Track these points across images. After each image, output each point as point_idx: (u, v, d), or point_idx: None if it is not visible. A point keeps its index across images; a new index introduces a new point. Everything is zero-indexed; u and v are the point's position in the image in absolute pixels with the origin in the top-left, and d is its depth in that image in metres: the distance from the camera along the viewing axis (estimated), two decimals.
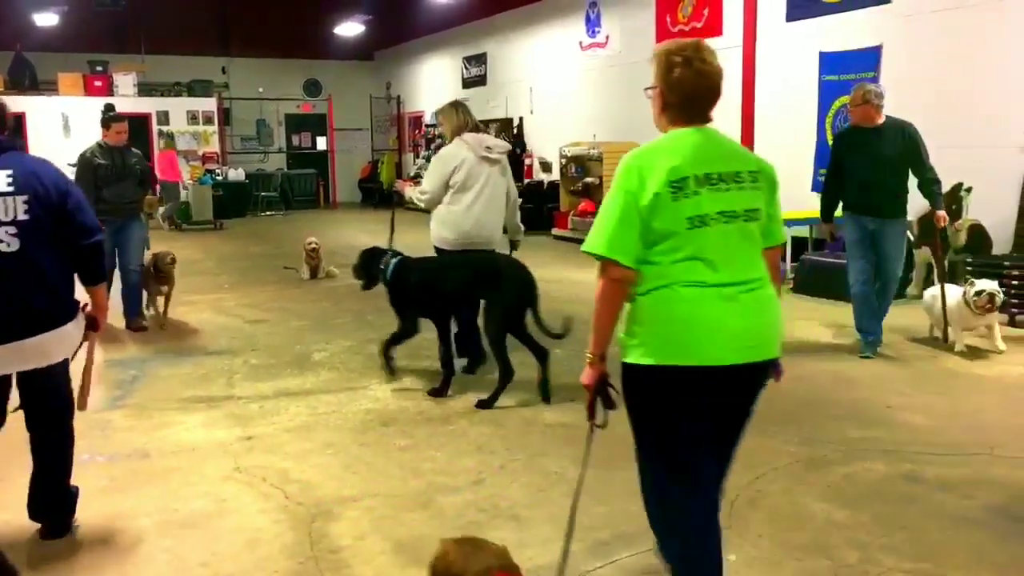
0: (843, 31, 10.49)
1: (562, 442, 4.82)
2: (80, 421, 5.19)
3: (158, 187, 15.62)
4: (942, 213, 6.55)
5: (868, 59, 10.10)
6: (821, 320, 7.85)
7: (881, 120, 6.53)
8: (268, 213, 20.39)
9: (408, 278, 5.93)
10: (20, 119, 17.18)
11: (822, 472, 4.33)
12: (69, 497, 3.82)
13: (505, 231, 6.43)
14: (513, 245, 6.63)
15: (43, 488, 3.74)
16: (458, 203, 6.02)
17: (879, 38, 9.99)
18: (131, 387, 6.19)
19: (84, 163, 7.66)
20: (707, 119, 2.86)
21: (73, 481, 3.89)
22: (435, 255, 6.17)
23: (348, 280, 10.76)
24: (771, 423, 5.05)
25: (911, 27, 9.75)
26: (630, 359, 2.78)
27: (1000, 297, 6.42)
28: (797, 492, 4.09)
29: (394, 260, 6.03)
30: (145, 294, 8.16)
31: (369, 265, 6.17)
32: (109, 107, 8.27)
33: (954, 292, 6.69)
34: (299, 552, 3.59)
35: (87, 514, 3.98)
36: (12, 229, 3.42)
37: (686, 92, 2.81)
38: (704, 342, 2.69)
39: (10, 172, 3.49)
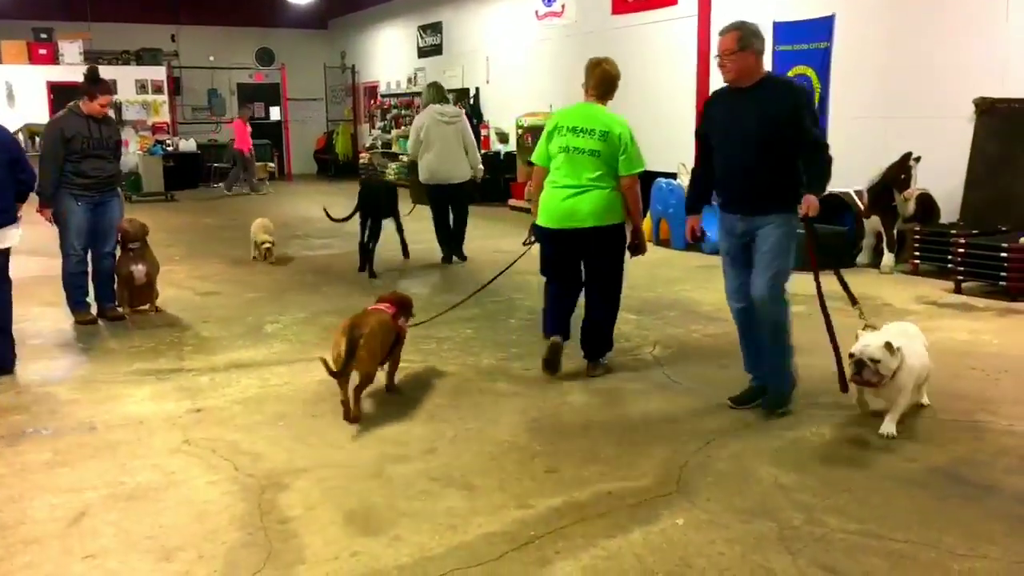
0: (796, 0, 10.53)
1: (515, 411, 4.83)
2: (25, 394, 5.17)
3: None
4: (811, 199, 4.47)
5: (821, 28, 10.17)
6: None
7: (761, 75, 4.62)
8: (220, 185, 20.06)
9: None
10: None
11: (770, 437, 4.39)
12: (11, 340, 5.80)
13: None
14: (475, 176, 9.73)
15: None
16: (427, 153, 9.29)
17: (832, 7, 10.05)
18: (77, 359, 6.08)
19: (53, 132, 6.76)
20: (593, 97, 5.39)
21: (16, 455, 4.31)
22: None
23: (302, 252, 10.69)
24: (721, 390, 5.11)
25: None
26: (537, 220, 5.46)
27: (886, 365, 4.28)
28: (745, 457, 4.14)
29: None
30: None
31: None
32: (94, 71, 7.02)
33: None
34: (248, 523, 3.55)
35: (28, 486, 3.92)
36: None
37: (589, 83, 5.41)
38: (548, 216, 5.31)
39: None
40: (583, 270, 5.44)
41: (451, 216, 9.62)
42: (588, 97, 5.39)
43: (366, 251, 8.98)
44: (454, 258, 9.64)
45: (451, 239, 9.62)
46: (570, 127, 5.25)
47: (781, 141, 4.50)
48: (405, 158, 10.05)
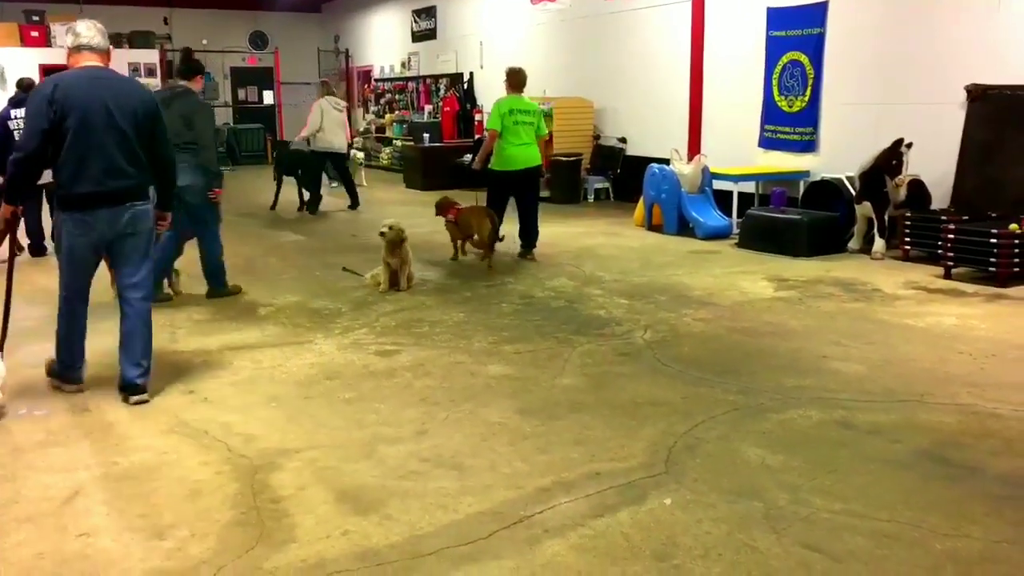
0: None
1: (506, 394, 4.87)
2: (18, 375, 5.17)
3: None
4: None
5: (815, 15, 10.17)
6: (764, 274, 7.97)
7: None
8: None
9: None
10: None
11: (758, 419, 4.43)
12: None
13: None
14: (351, 144, 14.35)
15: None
16: (324, 131, 12.81)
17: None
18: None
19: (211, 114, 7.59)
20: (520, 91, 8.92)
21: (9, 436, 4.39)
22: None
23: (293, 237, 10.70)
24: (711, 373, 5.16)
25: None
26: (494, 167, 8.80)
27: None
28: (733, 439, 4.18)
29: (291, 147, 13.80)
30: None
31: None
32: (190, 51, 8.18)
33: None
34: (241, 503, 3.59)
35: (21, 466, 3.94)
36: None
37: (512, 83, 8.91)
38: (513, 162, 8.67)
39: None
40: (523, 194, 8.88)
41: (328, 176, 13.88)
42: (517, 91, 8.88)
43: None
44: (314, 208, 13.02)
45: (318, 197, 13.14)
46: (519, 109, 8.70)
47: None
48: (305, 132, 13.14)
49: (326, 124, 12.86)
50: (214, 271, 7.36)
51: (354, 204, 13.19)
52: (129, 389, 4.81)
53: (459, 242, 8.83)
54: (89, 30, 4.76)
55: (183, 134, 6.86)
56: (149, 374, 4.91)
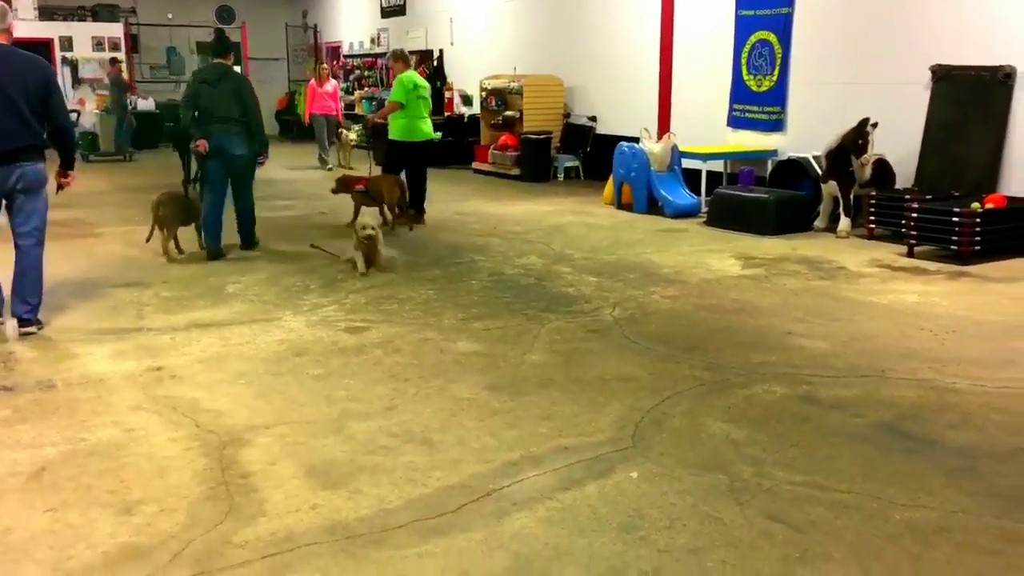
0: None
1: (475, 370, 4.90)
2: None
3: None
4: None
5: None
6: (731, 252, 8.05)
7: None
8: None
9: None
10: None
11: (723, 395, 4.50)
12: None
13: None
14: None
15: None
16: None
17: None
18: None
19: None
20: (412, 68, 10.17)
21: None
22: None
23: (265, 213, 10.62)
24: (678, 350, 5.22)
25: None
26: (409, 139, 9.68)
27: None
28: (699, 413, 4.25)
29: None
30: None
31: None
32: (222, 31, 9.04)
33: None
34: (209, 478, 3.59)
35: None
36: None
37: (406, 62, 10.09)
38: (424, 133, 9.78)
39: None
40: (422, 163, 9.82)
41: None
42: (410, 67, 9.94)
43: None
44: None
45: None
46: (419, 85, 9.62)
47: None
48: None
49: None
50: (248, 225, 8.23)
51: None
52: (21, 323, 5.50)
53: (379, 209, 9.34)
54: None
55: (234, 109, 7.75)
56: (37, 311, 5.61)
